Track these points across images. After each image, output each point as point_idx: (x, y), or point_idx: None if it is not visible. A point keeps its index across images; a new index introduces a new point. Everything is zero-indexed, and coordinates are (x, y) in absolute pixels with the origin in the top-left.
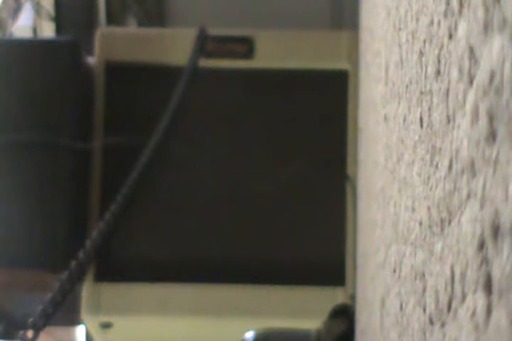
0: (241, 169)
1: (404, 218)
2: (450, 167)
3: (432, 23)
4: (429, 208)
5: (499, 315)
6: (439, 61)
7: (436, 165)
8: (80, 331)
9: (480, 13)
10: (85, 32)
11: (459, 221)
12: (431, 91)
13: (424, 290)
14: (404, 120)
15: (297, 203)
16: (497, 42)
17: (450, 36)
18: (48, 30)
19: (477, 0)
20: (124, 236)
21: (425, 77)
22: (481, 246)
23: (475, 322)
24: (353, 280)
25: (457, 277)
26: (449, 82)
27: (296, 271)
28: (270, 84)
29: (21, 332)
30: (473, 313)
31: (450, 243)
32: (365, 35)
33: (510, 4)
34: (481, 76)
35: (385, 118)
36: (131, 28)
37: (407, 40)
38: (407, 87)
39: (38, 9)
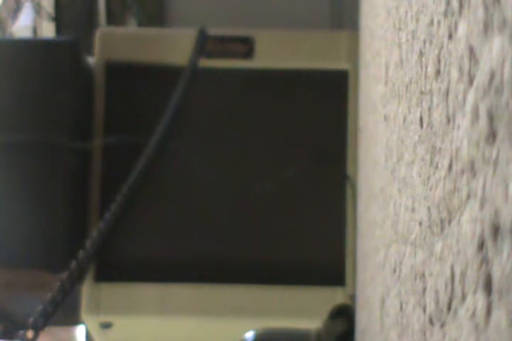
0: (241, 169)
1: (404, 218)
2: (450, 167)
3: (431, 23)
4: (429, 208)
5: (499, 315)
6: (439, 61)
7: (436, 165)
8: (79, 331)
9: (480, 13)
10: (85, 32)
11: (459, 221)
12: (431, 91)
13: (424, 290)
14: (404, 120)
15: (297, 203)
16: (497, 42)
17: (450, 36)
18: (48, 30)
19: (477, 0)
20: (124, 236)
21: (425, 77)
22: (481, 246)
23: (475, 322)
24: (353, 280)
25: (457, 277)
26: (449, 82)
27: (296, 271)
28: (270, 84)
29: (21, 332)
30: (473, 313)
31: (450, 243)
32: (365, 35)
33: (510, 4)
34: (481, 76)
35: (385, 118)
36: (131, 28)
37: (407, 40)
38: (407, 87)
39: (38, 9)
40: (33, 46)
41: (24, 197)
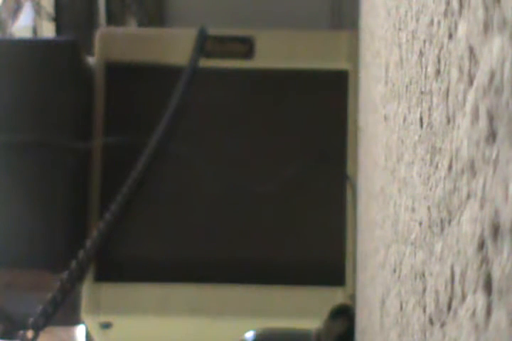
0: (241, 169)
1: (404, 218)
2: (450, 167)
3: (432, 23)
4: (429, 208)
5: (499, 315)
6: (439, 61)
7: (436, 165)
8: (79, 331)
9: (480, 13)
10: (85, 32)
11: (459, 221)
12: (431, 91)
13: (424, 290)
14: (404, 120)
15: (297, 203)
16: (497, 42)
17: (450, 36)
18: (48, 30)
19: (477, 0)
20: (124, 236)
21: (425, 77)
22: (481, 246)
23: (475, 322)
24: (353, 280)
25: (457, 277)
26: (449, 82)
27: (296, 271)
28: (270, 84)
29: (21, 332)
30: (473, 313)
31: (450, 243)
32: (365, 35)
33: (510, 4)
34: (481, 76)
35: (385, 118)
36: (131, 28)
37: (407, 40)
38: (407, 87)
39: (38, 9)
40: (33, 46)
41: (24, 197)
